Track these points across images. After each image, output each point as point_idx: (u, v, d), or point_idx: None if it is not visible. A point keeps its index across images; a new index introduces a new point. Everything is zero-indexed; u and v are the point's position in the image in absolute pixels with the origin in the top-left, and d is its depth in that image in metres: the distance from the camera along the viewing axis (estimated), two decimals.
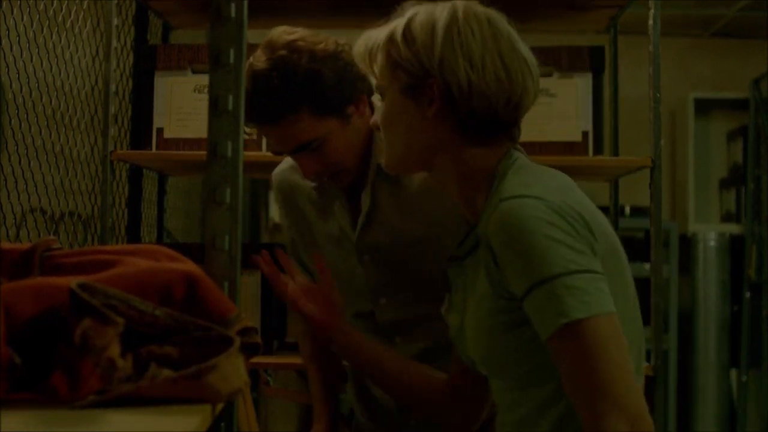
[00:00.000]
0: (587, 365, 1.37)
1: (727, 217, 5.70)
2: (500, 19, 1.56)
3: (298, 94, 1.83)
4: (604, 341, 1.37)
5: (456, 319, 1.62)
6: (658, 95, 2.52)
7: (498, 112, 1.52)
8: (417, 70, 1.53)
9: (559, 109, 2.53)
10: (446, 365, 1.87)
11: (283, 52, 1.83)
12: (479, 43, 1.51)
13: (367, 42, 1.61)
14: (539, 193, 1.43)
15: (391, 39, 1.56)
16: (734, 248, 5.45)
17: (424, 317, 1.98)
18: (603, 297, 1.38)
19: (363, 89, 1.91)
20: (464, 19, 1.52)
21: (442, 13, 1.54)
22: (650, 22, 2.53)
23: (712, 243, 5.45)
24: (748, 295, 5.20)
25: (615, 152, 3.01)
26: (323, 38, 1.88)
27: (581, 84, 2.53)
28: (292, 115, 1.84)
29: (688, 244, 5.50)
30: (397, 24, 1.57)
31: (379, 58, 1.58)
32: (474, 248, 1.55)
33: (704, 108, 5.79)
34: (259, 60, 1.85)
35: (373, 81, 1.66)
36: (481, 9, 1.56)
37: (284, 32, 1.88)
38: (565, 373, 1.41)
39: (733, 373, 5.37)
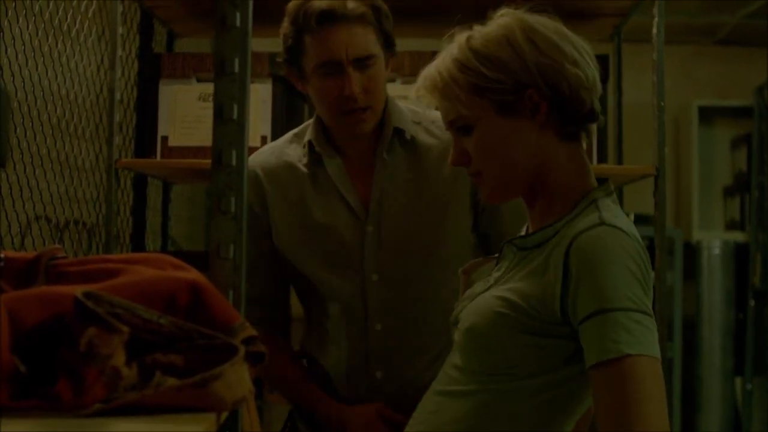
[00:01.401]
0: (632, 400, 1.39)
1: (731, 225, 5.69)
2: (551, 21, 1.62)
3: (376, 11, 1.96)
4: (654, 383, 1.40)
5: (479, 286, 1.65)
6: (662, 103, 2.53)
7: (589, 103, 1.58)
8: (510, 87, 1.54)
9: None
10: (421, 356, 1.98)
11: None
12: (560, 40, 1.57)
13: (434, 81, 1.59)
14: (630, 229, 1.50)
15: (464, 67, 1.56)
16: (739, 256, 5.44)
17: (410, 301, 2.00)
18: (657, 342, 1.43)
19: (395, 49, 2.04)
20: (534, 25, 1.57)
21: (508, 26, 1.57)
22: (654, 30, 2.53)
23: (717, 251, 5.44)
24: (752, 302, 5.19)
25: (619, 160, 3.02)
26: None
27: None
28: (369, 24, 1.95)
29: (692, 251, 5.50)
30: (455, 54, 1.57)
31: (457, 90, 1.57)
32: (539, 245, 1.56)
33: (708, 115, 5.79)
34: None
35: (447, 117, 1.62)
36: (531, 15, 1.61)
37: None
38: (605, 403, 1.41)
39: (738, 380, 5.35)
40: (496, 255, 1.70)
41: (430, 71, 1.61)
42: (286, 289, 2.17)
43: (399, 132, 2.03)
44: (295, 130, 2.16)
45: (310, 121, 2.12)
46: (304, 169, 2.06)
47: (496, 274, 1.62)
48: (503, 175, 1.59)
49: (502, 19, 1.59)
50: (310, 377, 2.13)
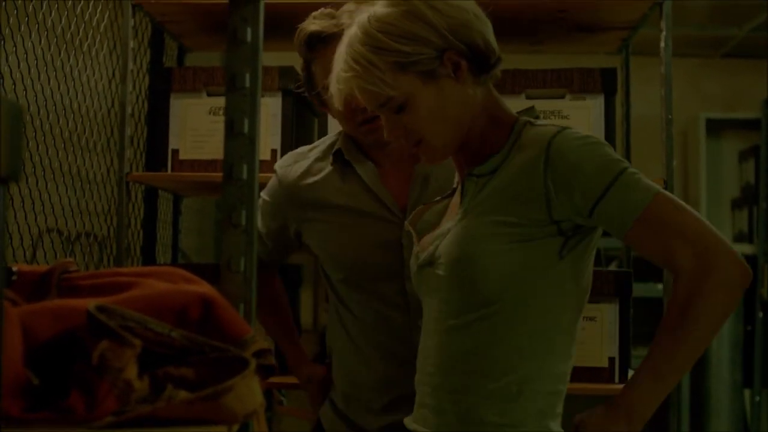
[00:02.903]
0: (680, 223, 1.56)
1: (739, 237, 5.68)
2: None
3: None
4: (675, 204, 1.58)
5: (447, 225, 1.71)
6: (670, 117, 2.53)
7: (496, 47, 1.68)
8: (429, 54, 1.61)
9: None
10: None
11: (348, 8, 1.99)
12: (456, 1, 1.64)
13: (353, 71, 1.63)
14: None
15: (378, 47, 1.61)
16: None
17: None
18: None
19: None
20: None
21: (404, 0, 1.61)
22: (662, 44, 2.54)
23: None
24: (761, 314, 5.17)
25: None
26: None
27: (593, 106, 2.54)
28: None
29: None
30: (363, 38, 1.61)
31: (379, 74, 1.62)
32: (494, 171, 1.67)
33: (716, 128, 5.79)
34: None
35: (376, 101, 1.67)
36: None
37: None
38: (660, 244, 1.58)
39: (747, 393, 5.33)
40: (437, 199, 1.82)
41: (346, 62, 1.64)
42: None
43: None
44: (317, 143, 2.20)
45: (330, 136, 2.17)
46: (334, 173, 2.11)
47: (462, 208, 1.69)
48: (444, 137, 1.68)
49: None
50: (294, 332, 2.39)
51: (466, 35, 1.62)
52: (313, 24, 2.01)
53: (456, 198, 1.76)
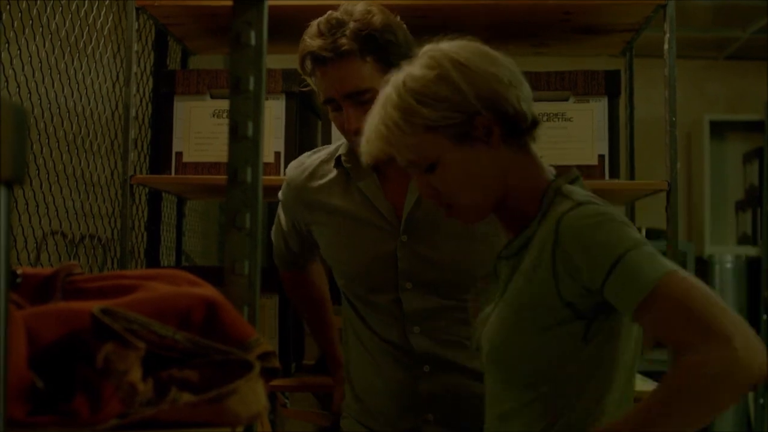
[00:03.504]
0: (684, 311, 1.42)
1: (743, 239, 5.67)
2: (475, 46, 1.66)
3: (370, 42, 1.94)
4: (690, 285, 1.45)
5: (486, 311, 1.70)
6: (674, 119, 2.53)
7: (530, 114, 1.65)
8: (459, 119, 1.60)
9: (575, 133, 2.55)
10: (460, 360, 2.02)
11: (361, 8, 1.97)
12: (490, 66, 1.62)
13: (381, 133, 1.63)
14: (602, 202, 1.60)
15: (407, 112, 1.60)
16: (751, 270, 5.42)
17: (444, 309, 2.03)
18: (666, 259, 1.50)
19: None
20: (462, 57, 1.61)
21: (439, 63, 1.61)
22: (666, 46, 2.54)
23: (729, 265, 5.43)
24: (765, 316, 5.17)
25: (631, 175, 3.02)
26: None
27: (597, 108, 2.54)
28: (359, 58, 1.95)
29: (704, 266, 5.48)
30: (395, 101, 1.61)
31: (409, 134, 1.61)
32: (521, 248, 1.63)
33: (719, 130, 5.78)
34: (336, 13, 1.97)
35: (404, 160, 1.66)
36: (455, 45, 1.65)
37: (357, 3, 2.00)
38: (664, 330, 1.45)
39: (750, 395, 5.33)
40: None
41: (375, 123, 1.64)
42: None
43: None
44: (331, 148, 2.20)
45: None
46: (337, 179, 2.11)
47: (498, 293, 1.68)
48: (474, 200, 1.66)
49: (429, 57, 1.63)
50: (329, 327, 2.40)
51: (495, 103, 1.60)
52: (310, 43, 1.97)
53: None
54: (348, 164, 2.08)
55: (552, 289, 1.55)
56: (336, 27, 1.94)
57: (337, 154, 2.12)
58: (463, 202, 1.66)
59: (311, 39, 1.96)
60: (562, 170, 1.75)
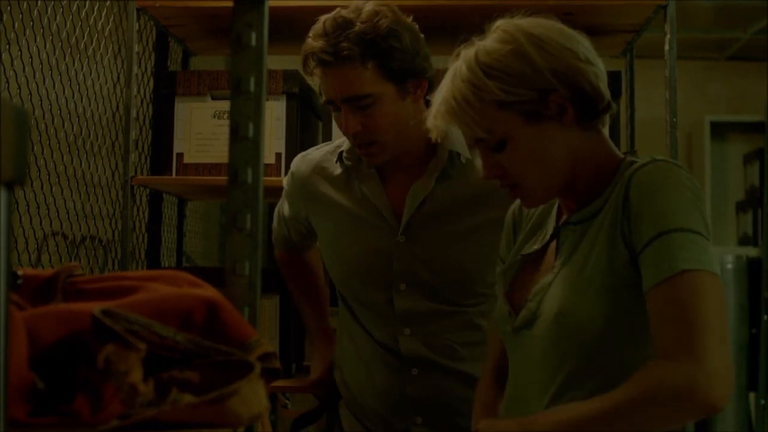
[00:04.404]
0: (688, 314, 1.39)
1: (744, 240, 5.67)
2: (550, 22, 1.61)
3: (372, 47, 1.90)
4: (716, 297, 1.41)
5: (545, 279, 1.61)
6: (675, 120, 2.53)
7: (607, 95, 1.59)
8: (532, 96, 1.53)
9: None
10: (449, 363, 2.01)
11: (369, 9, 1.92)
12: (567, 42, 1.57)
13: (451, 107, 1.57)
14: (683, 167, 1.53)
15: (477, 87, 1.54)
16: (751, 271, 5.42)
17: (436, 313, 2.02)
18: (715, 261, 1.44)
19: (426, 72, 1.97)
20: (538, 31, 1.56)
21: (513, 37, 1.55)
22: (666, 47, 2.54)
23: (730, 266, 5.43)
24: (765, 317, 5.16)
25: None
26: (405, 15, 1.97)
27: None
28: (359, 64, 1.91)
29: None
30: (467, 75, 1.55)
31: (479, 109, 1.55)
32: (593, 216, 1.58)
33: (720, 131, 5.78)
34: (344, 12, 1.93)
35: (473, 136, 1.60)
36: (530, 21, 1.59)
37: (369, 2, 1.96)
38: (665, 321, 1.41)
39: (752, 396, 5.32)
40: (529, 252, 1.70)
41: (444, 97, 1.58)
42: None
43: (455, 155, 2.03)
44: (337, 142, 2.20)
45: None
46: (339, 175, 2.11)
47: (560, 260, 1.61)
48: (544, 180, 1.59)
49: (502, 31, 1.57)
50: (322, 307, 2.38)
51: (572, 79, 1.54)
52: (313, 44, 1.94)
53: (552, 246, 1.67)
54: (349, 162, 2.08)
55: (621, 246, 1.49)
56: (341, 28, 1.91)
57: (340, 150, 2.12)
58: (531, 183, 1.59)
59: (315, 39, 1.93)
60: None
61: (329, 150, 2.17)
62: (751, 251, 5.49)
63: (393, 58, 1.92)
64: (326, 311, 2.39)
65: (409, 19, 1.98)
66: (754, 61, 5.85)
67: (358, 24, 1.90)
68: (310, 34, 1.96)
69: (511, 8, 1.63)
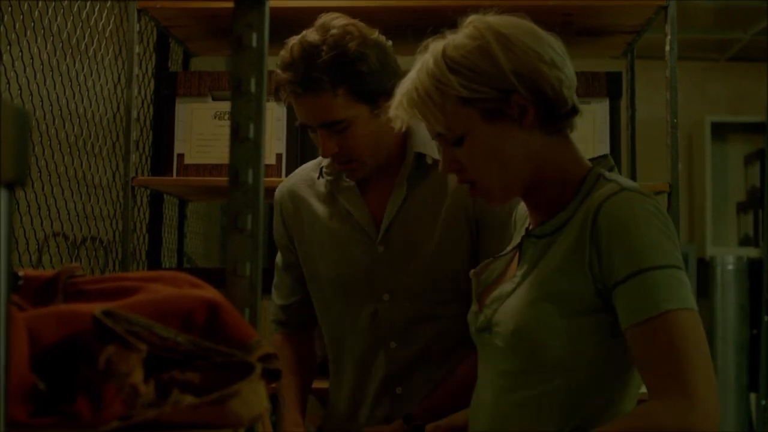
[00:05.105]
0: (680, 352, 1.41)
1: (745, 241, 5.67)
2: (522, 22, 1.60)
3: (341, 73, 1.88)
4: (698, 334, 1.43)
5: (505, 288, 1.62)
6: (676, 120, 2.53)
7: (570, 100, 1.58)
8: (493, 95, 1.53)
9: (577, 134, 2.54)
10: (437, 369, 1.99)
11: (335, 32, 1.89)
12: (534, 43, 1.55)
13: (412, 98, 1.58)
14: (649, 195, 1.54)
15: (440, 81, 1.55)
16: (752, 271, 5.42)
17: (421, 319, 2.01)
18: (692, 295, 1.46)
19: (396, 86, 1.94)
20: (507, 31, 1.55)
21: (481, 34, 1.55)
22: (667, 48, 2.54)
23: (730, 266, 5.43)
24: (766, 318, 5.16)
25: (632, 177, 3.02)
26: (372, 30, 1.94)
27: (598, 110, 2.55)
28: (330, 92, 1.89)
29: (706, 267, 5.48)
30: (432, 68, 1.55)
31: (439, 104, 1.56)
32: (556, 230, 1.58)
33: (721, 131, 5.78)
34: (311, 35, 1.90)
35: (433, 130, 1.61)
36: (501, 19, 1.58)
37: (337, 17, 1.93)
38: (651, 359, 1.43)
39: (753, 397, 5.32)
40: (503, 254, 1.72)
41: (407, 88, 1.59)
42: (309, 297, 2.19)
43: (421, 156, 2.02)
44: (319, 158, 2.18)
45: None
46: (323, 189, 2.10)
47: (521, 271, 1.61)
48: (500, 180, 1.60)
49: (473, 27, 1.57)
50: (301, 393, 2.15)
51: (534, 82, 1.53)
52: (282, 75, 1.92)
53: (516, 255, 1.67)
54: (329, 176, 2.07)
55: (586, 273, 1.50)
56: (309, 57, 1.88)
57: (321, 165, 2.11)
58: (487, 181, 1.60)
59: (283, 70, 1.91)
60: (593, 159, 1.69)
61: (311, 167, 2.16)
62: (752, 252, 5.49)
63: (363, 81, 1.90)
64: (306, 395, 2.22)
65: (376, 34, 1.95)
66: (754, 62, 5.85)
67: (325, 50, 1.88)
68: (279, 63, 1.93)
69: (509, 9, 1.63)
